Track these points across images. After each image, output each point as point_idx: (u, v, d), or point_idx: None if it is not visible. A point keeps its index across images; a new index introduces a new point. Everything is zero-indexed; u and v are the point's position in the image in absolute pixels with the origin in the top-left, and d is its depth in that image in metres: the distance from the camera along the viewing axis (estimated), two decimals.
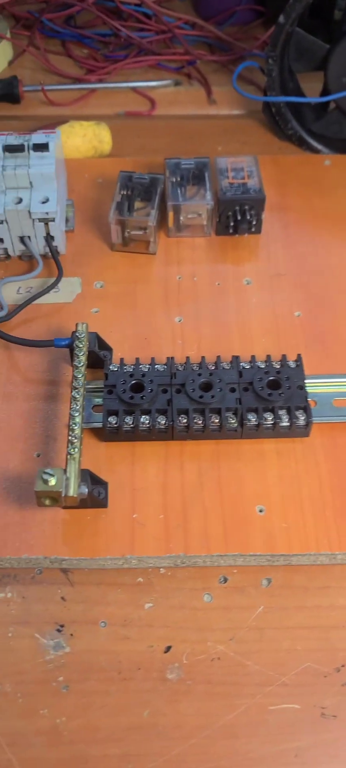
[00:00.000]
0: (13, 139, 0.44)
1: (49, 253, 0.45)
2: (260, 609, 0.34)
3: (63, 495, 0.33)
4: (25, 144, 0.43)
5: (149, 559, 0.35)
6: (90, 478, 0.35)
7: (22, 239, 0.45)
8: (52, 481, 0.33)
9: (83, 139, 0.53)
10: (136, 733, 0.31)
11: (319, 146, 0.55)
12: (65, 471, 0.34)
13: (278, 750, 0.31)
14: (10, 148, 0.43)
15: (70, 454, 0.34)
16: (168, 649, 0.33)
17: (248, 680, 0.32)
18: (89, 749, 0.31)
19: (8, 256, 0.46)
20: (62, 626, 0.34)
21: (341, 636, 0.33)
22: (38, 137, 0.44)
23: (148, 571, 0.35)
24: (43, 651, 0.33)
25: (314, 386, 0.40)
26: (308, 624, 0.34)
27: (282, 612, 0.34)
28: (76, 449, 0.34)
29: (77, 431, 0.35)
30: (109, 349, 0.41)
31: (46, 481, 0.33)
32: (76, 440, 0.35)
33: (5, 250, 0.46)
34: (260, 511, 0.36)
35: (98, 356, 0.40)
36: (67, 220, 0.48)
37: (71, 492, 0.33)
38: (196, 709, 0.32)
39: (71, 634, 0.33)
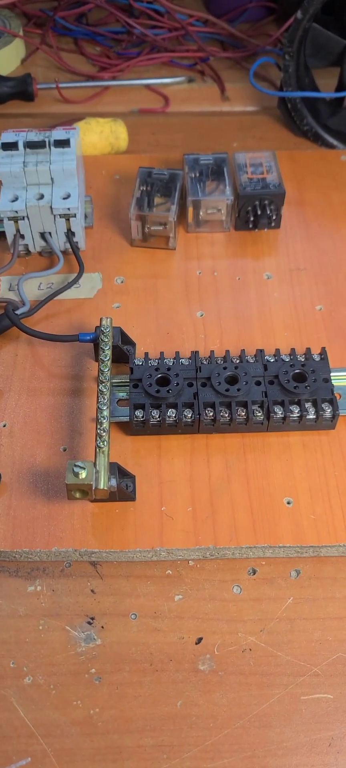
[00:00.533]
0: (34, 136, 0.44)
1: (69, 249, 0.46)
2: (290, 600, 0.34)
3: (94, 488, 0.33)
4: (46, 140, 0.44)
5: (179, 551, 0.35)
6: (118, 471, 0.35)
7: (42, 235, 0.45)
8: (83, 474, 0.33)
9: (100, 135, 0.53)
10: (169, 723, 0.31)
11: (335, 142, 0.55)
12: (95, 464, 0.34)
13: (312, 739, 0.31)
14: (31, 145, 0.43)
15: (100, 447, 0.34)
16: (199, 640, 0.33)
17: (280, 671, 0.32)
18: (123, 739, 0.31)
19: (28, 252, 0.46)
20: (93, 618, 0.34)
21: None
22: (59, 134, 0.44)
23: (177, 564, 0.35)
24: (75, 643, 0.33)
25: (339, 379, 0.40)
26: (338, 614, 0.34)
27: (312, 603, 0.34)
28: (105, 443, 0.35)
29: (105, 424, 0.35)
30: (132, 343, 0.41)
31: (77, 474, 0.33)
32: (104, 433, 0.35)
33: (26, 246, 0.46)
34: (288, 503, 0.36)
35: (122, 351, 0.40)
36: (86, 216, 0.48)
37: (102, 485, 0.33)
38: (229, 700, 0.32)
39: (102, 627, 0.33)
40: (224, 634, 0.33)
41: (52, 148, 0.43)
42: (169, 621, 0.34)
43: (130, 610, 0.34)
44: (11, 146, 0.43)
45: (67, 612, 0.34)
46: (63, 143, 0.43)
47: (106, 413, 0.35)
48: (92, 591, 0.34)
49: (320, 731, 0.31)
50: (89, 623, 0.34)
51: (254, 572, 0.35)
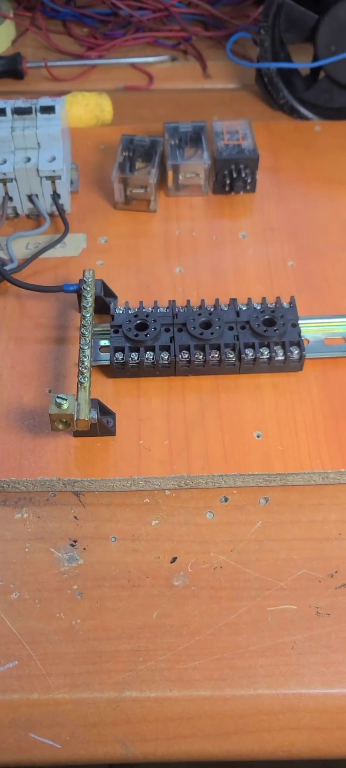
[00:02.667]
0: (21, 103, 0.46)
1: (56, 212, 0.48)
2: (259, 524, 0.37)
3: (75, 419, 0.36)
4: (33, 107, 0.46)
5: (155, 480, 0.37)
6: (99, 407, 0.38)
7: (30, 198, 0.48)
8: (65, 405, 0.35)
9: (86, 108, 0.56)
10: (145, 631, 0.34)
11: (310, 114, 0.58)
12: (77, 398, 0.36)
13: (277, 643, 0.33)
14: (18, 111, 0.46)
15: (81, 383, 0.37)
16: (174, 559, 0.36)
17: (249, 585, 0.35)
18: (103, 645, 0.33)
19: (17, 215, 0.49)
20: (75, 541, 0.36)
21: (333, 546, 0.36)
22: (45, 101, 0.47)
23: (154, 493, 0.38)
24: (58, 563, 0.36)
25: (308, 326, 0.42)
26: (303, 536, 0.37)
27: (279, 526, 0.37)
28: (86, 379, 0.37)
29: (87, 363, 0.38)
30: (114, 296, 0.44)
31: (59, 405, 0.35)
32: (86, 371, 0.37)
33: (14, 208, 0.48)
34: (258, 436, 0.39)
35: (104, 302, 0.43)
36: (72, 182, 0.51)
37: (83, 416, 0.36)
38: (201, 611, 0.34)
39: (84, 548, 0.36)
40: (197, 554, 0.36)
41: (39, 114, 0.46)
42: (146, 543, 0.36)
43: (111, 534, 0.36)
44: (0, 112, 0.46)
45: (52, 536, 0.36)
46: (49, 109, 0.46)
47: (87, 353, 0.38)
48: (75, 517, 0.37)
49: (284, 636, 0.34)
50: (72, 545, 0.36)
51: (226, 500, 0.38)
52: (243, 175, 0.49)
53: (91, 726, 0.32)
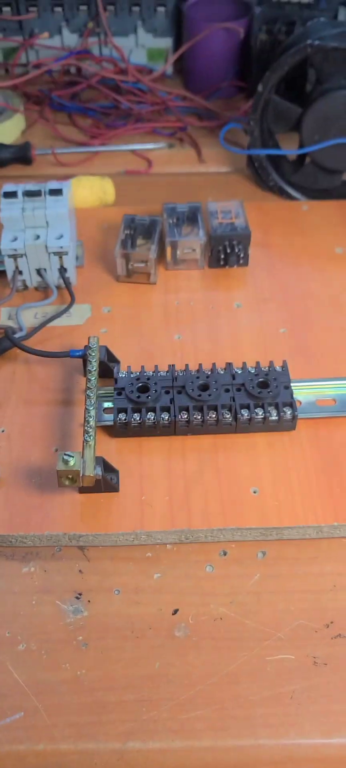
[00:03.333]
0: (31, 186, 0.51)
1: (63, 284, 0.52)
2: (257, 577, 0.38)
3: (81, 475, 0.38)
4: (42, 190, 0.50)
5: (157, 534, 0.39)
6: (103, 464, 0.40)
7: (38, 271, 0.51)
8: (72, 462, 0.38)
9: (90, 191, 0.60)
10: (149, 681, 0.35)
11: (297, 195, 0.63)
12: (83, 455, 0.39)
13: (276, 693, 0.34)
14: (29, 193, 0.50)
15: (86, 441, 0.39)
16: (175, 611, 0.37)
17: (248, 636, 0.36)
18: (107, 696, 0.34)
19: (26, 287, 0.52)
20: (80, 594, 0.38)
21: (329, 597, 0.38)
22: (53, 184, 0.51)
23: (156, 547, 0.39)
24: (64, 615, 0.37)
25: (300, 389, 0.45)
26: (299, 588, 0.38)
27: (276, 579, 0.38)
28: (91, 437, 0.39)
29: (92, 422, 0.40)
30: (117, 361, 0.47)
31: (66, 462, 0.38)
32: (91, 430, 0.40)
33: (23, 281, 0.52)
34: (254, 492, 0.41)
35: (108, 367, 0.46)
36: (77, 258, 0.54)
37: (88, 472, 0.38)
38: (202, 661, 0.35)
39: (89, 601, 0.37)
40: (198, 605, 0.37)
41: (47, 196, 0.50)
42: (148, 595, 0.38)
43: (114, 587, 0.38)
44: (12, 195, 0.50)
45: (58, 589, 0.38)
46: (56, 192, 0.50)
47: (92, 413, 0.40)
48: (80, 571, 0.39)
49: (283, 686, 0.35)
50: (77, 598, 0.38)
51: (225, 553, 0.39)
52: (236, 251, 0.53)
53: None
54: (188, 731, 0.33)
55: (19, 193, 0.50)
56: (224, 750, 0.33)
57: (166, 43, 0.78)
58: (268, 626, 0.37)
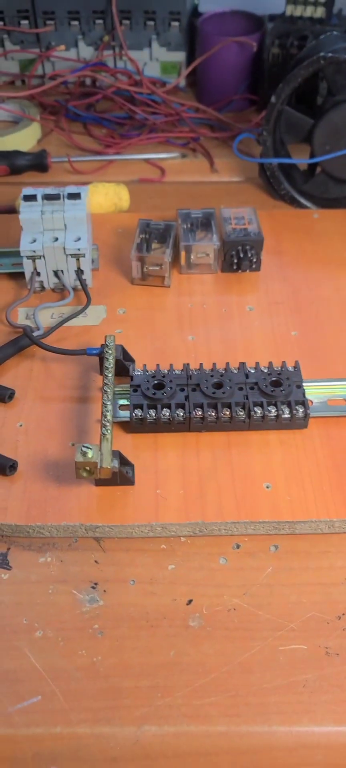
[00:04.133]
0: (51, 190, 0.52)
1: (79, 286, 0.53)
2: (270, 569, 0.39)
3: (98, 467, 0.39)
4: (61, 194, 0.52)
5: (172, 526, 0.40)
6: (120, 458, 0.41)
7: (55, 273, 0.52)
8: (90, 454, 0.38)
9: (105, 197, 0.62)
10: (163, 669, 0.35)
11: (308, 204, 0.64)
12: (100, 448, 0.39)
13: (289, 682, 0.35)
14: (48, 197, 0.51)
15: (104, 434, 0.40)
16: (190, 602, 0.38)
17: (261, 626, 0.37)
18: (122, 682, 0.35)
19: (43, 288, 0.54)
20: (96, 584, 0.38)
21: (340, 591, 0.38)
22: (72, 188, 0.52)
23: (170, 540, 0.40)
24: (80, 604, 0.38)
25: (312, 388, 0.46)
26: (311, 581, 0.39)
27: (289, 572, 0.39)
28: (108, 431, 0.40)
29: (109, 417, 0.41)
30: (132, 360, 0.48)
31: (84, 454, 0.38)
32: (108, 424, 0.41)
33: (41, 282, 0.53)
34: (267, 487, 0.41)
35: (123, 365, 0.47)
36: (93, 261, 0.56)
37: (105, 464, 0.39)
38: (215, 650, 0.36)
39: (104, 590, 0.38)
40: (212, 596, 0.38)
41: (66, 200, 0.51)
42: (163, 586, 0.38)
43: (130, 577, 0.39)
44: (31, 198, 0.51)
45: (74, 578, 0.39)
46: (75, 196, 0.51)
47: (109, 407, 0.41)
48: (96, 561, 0.39)
49: (296, 675, 0.35)
50: (93, 588, 0.38)
51: (238, 546, 0.40)
52: (249, 255, 0.54)
53: (111, 760, 0.33)
54: (202, 717, 0.34)
55: (39, 197, 0.51)
56: (237, 735, 0.33)
57: (179, 56, 0.80)
58: (280, 617, 0.37)
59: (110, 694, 0.34)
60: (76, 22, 0.78)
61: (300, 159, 0.62)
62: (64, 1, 0.77)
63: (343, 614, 0.37)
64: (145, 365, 0.46)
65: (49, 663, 0.35)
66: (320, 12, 0.68)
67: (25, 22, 0.79)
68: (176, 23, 0.77)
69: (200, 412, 0.44)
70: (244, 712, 0.34)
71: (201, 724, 0.34)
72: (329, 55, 0.55)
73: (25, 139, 0.73)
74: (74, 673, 0.35)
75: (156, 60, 0.80)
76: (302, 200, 0.64)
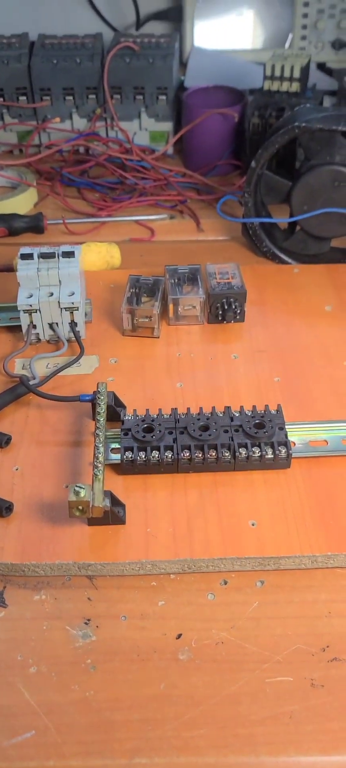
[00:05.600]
0: (46, 249, 0.56)
1: (73, 338, 0.56)
2: (256, 604, 0.41)
3: (91, 506, 0.41)
4: (56, 252, 0.55)
5: (161, 563, 0.41)
6: (111, 498, 0.43)
7: (51, 325, 0.55)
8: (82, 493, 0.40)
9: (98, 255, 0.65)
10: (154, 702, 0.36)
11: (289, 259, 0.68)
12: (92, 487, 0.41)
13: (275, 713, 0.36)
14: (44, 255, 0.55)
15: (96, 475, 0.42)
16: (179, 636, 0.39)
17: (248, 659, 0.38)
18: (114, 715, 0.36)
19: (39, 340, 0.56)
20: (89, 620, 0.40)
21: (324, 623, 0.40)
22: (66, 247, 0.56)
23: (160, 577, 0.42)
24: (73, 639, 0.39)
25: (294, 431, 0.48)
26: (297, 614, 0.40)
27: (274, 605, 0.41)
28: (100, 471, 0.42)
29: (101, 458, 0.43)
30: (123, 406, 0.50)
31: (77, 493, 0.40)
32: (100, 465, 0.43)
33: (37, 335, 0.56)
34: (253, 524, 0.43)
35: (115, 410, 0.49)
36: (86, 314, 0.59)
37: (97, 503, 0.41)
38: (204, 683, 0.37)
39: (97, 626, 0.39)
40: (200, 630, 0.39)
41: (61, 258, 0.55)
42: (153, 621, 0.40)
43: (121, 613, 0.40)
44: (28, 256, 0.54)
45: (68, 615, 0.40)
46: (69, 254, 0.55)
47: (101, 449, 0.44)
48: (89, 599, 0.41)
49: (282, 707, 0.36)
50: (86, 623, 0.40)
51: (226, 582, 0.42)
52: (233, 307, 0.58)
53: None
54: (191, 748, 0.35)
55: (35, 255, 0.55)
56: (226, 766, 0.34)
57: (167, 126, 0.85)
58: (267, 650, 0.39)
59: (102, 728, 0.35)
60: (70, 97, 0.84)
61: (280, 218, 0.67)
62: (59, 78, 0.83)
63: (327, 646, 0.39)
64: (135, 410, 0.49)
65: (43, 698, 0.36)
66: (295, 87, 0.74)
67: (23, 97, 0.84)
68: (163, 97, 0.83)
69: (187, 454, 0.46)
70: (232, 743, 0.35)
71: (191, 755, 0.35)
72: (303, 124, 0.59)
73: (22, 203, 0.77)
74: (67, 708, 0.36)
75: (145, 129, 0.85)
76: (283, 256, 0.68)
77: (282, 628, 0.39)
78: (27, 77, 0.83)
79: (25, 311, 0.54)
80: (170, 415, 0.48)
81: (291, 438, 0.48)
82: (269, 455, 0.46)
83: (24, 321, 0.55)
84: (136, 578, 0.42)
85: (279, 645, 0.39)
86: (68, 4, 1.03)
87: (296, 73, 0.73)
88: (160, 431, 0.46)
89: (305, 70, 0.75)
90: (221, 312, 0.58)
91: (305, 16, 0.98)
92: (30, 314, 0.54)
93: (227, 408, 0.49)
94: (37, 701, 0.36)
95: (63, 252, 0.55)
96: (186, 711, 0.36)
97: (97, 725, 0.35)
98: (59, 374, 0.53)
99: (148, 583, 0.41)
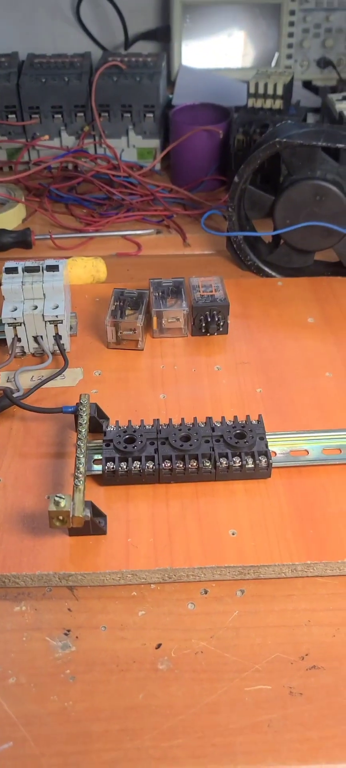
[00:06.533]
0: (30, 263, 0.56)
1: (57, 351, 0.56)
2: (236, 613, 0.41)
3: (71, 516, 0.41)
4: (40, 266, 0.56)
5: (142, 573, 0.42)
6: (92, 508, 0.43)
7: (35, 338, 0.56)
8: (62, 503, 0.41)
9: (84, 269, 0.66)
10: (133, 712, 0.36)
11: (273, 273, 0.69)
12: (73, 497, 0.42)
13: (254, 722, 0.36)
14: (28, 269, 0.55)
15: (76, 485, 0.42)
16: (159, 646, 0.39)
17: (227, 668, 0.38)
18: (93, 726, 0.36)
19: (24, 353, 0.57)
20: (69, 631, 0.40)
21: (303, 632, 0.40)
22: (50, 261, 0.56)
23: (141, 587, 0.42)
24: (53, 650, 0.39)
25: (275, 441, 0.49)
26: (276, 623, 0.40)
27: (254, 615, 0.41)
28: (81, 482, 0.43)
29: (82, 469, 0.43)
30: (106, 417, 0.51)
31: (57, 503, 0.41)
32: (81, 475, 0.43)
33: (21, 347, 0.56)
34: (233, 533, 0.44)
35: (98, 422, 0.49)
36: (71, 327, 0.59)
37: (77, 513, 0.41)
38: (183, 692, 0.37)
39: (77, 637, 0.39)
40: (180, 641, 0.39)
41: (45, 271, 0.55)
42: (133, 631, 0.40)
43: (101, 624, 0.40)
44: (12, 270, 0.55)
45: (47, 626, 0.40)
46: (53, 268, 0.55)
47: (82, 460, 0.44)
48: (69, 609, 0.41)
49: (261, 715, 0.36)
50: (66, 634, 0.40)
51: (206, 592, 0.42)
52: (216, 319, 0.58)
53: None
54: (170, 759, 0.35)
55: (20, 269, 0.55)
56: None
57: (154, 143, 0.86)
58: (246, 659, 0.39)
59: (81, 738, 0.35)
60: (59, 115, 0.85)
61: (263, 232, 0.67)
62: (48, 97, 0.84)
63: (306, 654, 0.39)
64: (117, 422, 0.49)
65: (22, 709, 0.36)
66: (278, 104, 0.75)
67: (12, 115, 0.85)
68: (151, 114, 0.84)
69: (168, 464, 0.46)
70: (210, 753, 0.35)
71: (169, 765, 0.34)
72: (284, 140, 0.60)
73: (11, 219, 0.78)
74: (46, 719, 0.36)
75: (133, 146, 0.86)
76: (267, 270, 0.69)
77: (262, 638, 0.40)
78: (16, 95, 0.84)
79: (9, 324, 0.55)
80: (152, 426, 0.49)
81: (272, 448, 0.48)
82: (250, 465, 0.46)
83: (9, 334, 0.55)
84: (117, 588, 0.42)
85: (258, 654, 0.39)
86: (59, 24, 1.05)
87: (279, 91, 0.74)
88: (141, 442, 0.47)
89: (288, 88, 0.76)
90: (204, 324, 0.59)
91: (291, 35, 1.00)
92: (14, 327, 0.55)
93: (209, 419, 0.49)
94: (16, 712, 0.36)
95: (47, 266, 0.56)
96: (165, 721, 0.36)
97: (76, 736, 0.35)
98: (43, 387, 0.54)
99: (129, 593, 0.42)
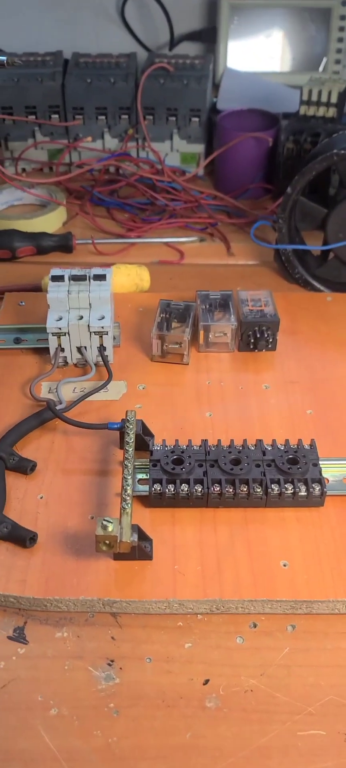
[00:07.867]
0: (77, 271, 0.55)
1: (100, 362, 0.55)
2: (287, 650, 0.39)
3: (118, 540, 0.39)
4: (87, 275, 0.54)
5: (189, 603, 0.40)
6: (138, 532, 0.41)
7: (79, 349, 0.55)
8: (110, 528, 0.39)
9: (127, 277, 0.65)
10: (180, 752, 0.35)
11: (321, 287, 0.66)
12: (120, 521, 0.40)
13: None
14: (75, 278, 0.54)
15: (124, 508, 0.41)
16: (206, 681, 0.37)
17: (279, 709, 0.36)
18: (139, 765, 0.34)
19: (66, 363, 0.56)
20: (112, 661, 0.38)
21: None
22: (97, 270, 0.55)
23: (187, 617, 0.40)
24: (96, 681, 0.37)
25: (328, 467, 0.47)
26: (329, 663, 0.38)
27: (306, 653, 0.39)
28: (129, 505, 0.41)
29: (129, 491, 0.42)
30: (151, 435, 0.49)
31: (105, 527, 0.39)
32: (128, 497, 0.41)
33: (64, 358, 0.55)
34: (284, 565, 0.42)
35: (143, 439, 0.48)
36: (114, 338, 0.58)
37: (125, 538, 0.39)
38: (233, 733, 0.35)
39: (120, 668, 0.38)
40: (229, 677, 0.38)
41: (92, 281, 0.54)
42: (180, 665, 0.38)
43: (146, 655, 0.38)
44: (59, 278, 0.54)
45: (90, 655, 0.38)
46: (100, 277, 0.54)
47: (129, 482, 0.42)
48: (112, 638, 0.39)
49: (315, 763, 0.34)
50: (109, 665, 0.38)
51: (255, 626, 0.40)
52: (266, 336, 0.56)
53: None
54: None
55: (66, 278, 0.54)
56: None
57: (199, 148, 0.84)
58: (298, 700, 0.37)
59: None
60: (103, 117, 0.84)
61: (314, 246, 0.65)
62: (92, 97, 0.83)
63: None
64: (164, 440, 0.47)
65: (64, 743, 0.35)
66: (331, 112, 0.73)
67: (55, 116, 0.85)
68: (196, 119, 0.83)
69: (218, 488, 0.44)
70: None
71: None
72: (342, 152, 0.58)
73: (51, 222, 0.77)
74: (89, 755, 0.35)
75: (177, 151, 0.85)
76: (316, 284, 0.66)
77: (314, 677, 0.38)
78: (60, 95, 0.84)
79: (53, 334, 0.53)
80: (200, 446, 0.47)
81: (325, 474, 0.46)
82: (303, 492, 0.44)
83: (52, 344, 0.54)
84: (163, 617, 0.40)
85: (311, 695, 0.37)
86: (102, 22, 1.03)
87: (334, 99, 0.72)
88: (190, 464, 0.45)
89: (343, 96, 0.73)
90: (252, 340, 0.57)
91: (341, 40, 0.97)
92: (58, 337, 0.54)
93: (259, 441, 0.47)
94: (58, 746, 0.35)
95: (94, 275, 0.54)
96: (213, 763, 0.34)
97: None
98: (86, 399, 0.52)
99: (175, 623, 0.40)
